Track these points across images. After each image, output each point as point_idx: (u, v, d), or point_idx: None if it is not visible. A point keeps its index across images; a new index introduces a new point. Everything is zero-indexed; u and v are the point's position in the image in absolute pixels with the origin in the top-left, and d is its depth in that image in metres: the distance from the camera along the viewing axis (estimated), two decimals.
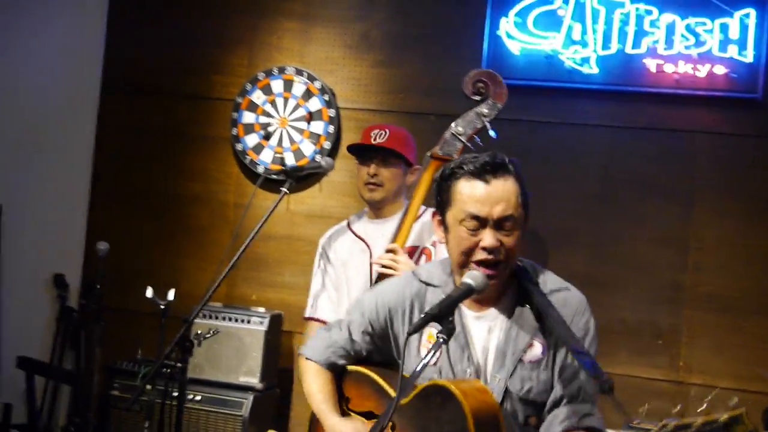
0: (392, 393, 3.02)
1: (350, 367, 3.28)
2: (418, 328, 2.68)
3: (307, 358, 3.36)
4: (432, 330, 2.97)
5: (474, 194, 2.89)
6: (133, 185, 6.69)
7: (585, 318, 2.95)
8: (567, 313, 2.90)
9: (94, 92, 6.70)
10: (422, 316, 2.69)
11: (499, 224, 2.86)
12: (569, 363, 2.89)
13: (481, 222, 2.87)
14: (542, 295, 2.93)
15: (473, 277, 2.79)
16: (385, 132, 4.44)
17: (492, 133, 4.04)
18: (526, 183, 2.96)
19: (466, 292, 2.76)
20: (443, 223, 3.01)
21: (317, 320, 4.61)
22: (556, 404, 2.90)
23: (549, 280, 3.01)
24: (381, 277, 4.08)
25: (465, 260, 2.91)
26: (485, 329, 3.00)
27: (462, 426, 2.68)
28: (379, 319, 3.17)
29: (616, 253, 5.77)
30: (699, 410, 2.62)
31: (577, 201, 5.77)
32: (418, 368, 2.61)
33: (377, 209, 4.47)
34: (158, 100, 6.68)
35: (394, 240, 4.18)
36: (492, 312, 3.00)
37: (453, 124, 4.08)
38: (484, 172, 2.88)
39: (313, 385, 3.30)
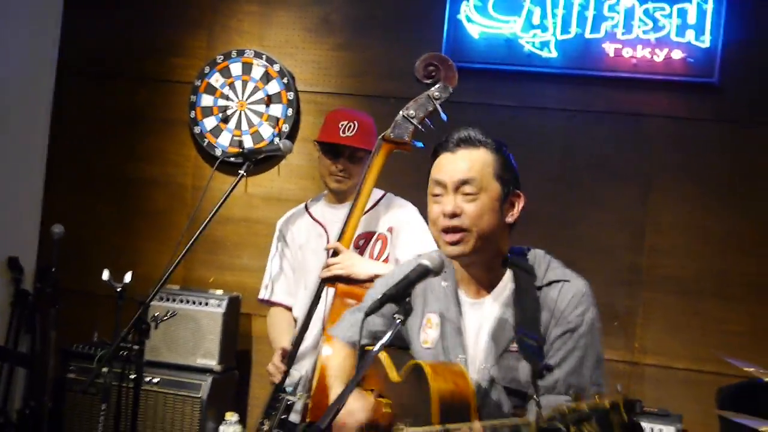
0: (390, 374, 3.02)
1: (367, 347, 3.22)
2: (374, 309, 2.67)
3: (332, 336, 3.36)
4: (431, 315, 3.01)
5: (440, 162, 2.94)
6: (89, 168, 6.64)
7: (579, 310, 2.85)
8: (560, 305, 2.86)
9: (50, 75, 6.65)
10: (379, 297, 2.68)
11: (459, 188, 2.87)
12: (552, 354, 2.87)
13: (443, 186, 2.89)
14: (529, 285, 2.90)
15: (429, 257, 2.77)
16: (354, 124, 4.40)
17: (443, 115, 4.04)
18: (509, 158, 2.97)
19: (421, 273, 2.73)
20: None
21: (273, 303, 4.58)
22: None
23: (551, 271, 2.95)
24: (329, 280, 4.10)
25: (436, 233, 2.93)
26: (479, 317, 2.98)
27: (429, 406, 2.70)
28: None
29: (574, 235, 5.82)
30: None
31: (536, 184, 5.76)
32: (376, 348, 2.59)
33: (339, 196, 4.45)
34: (116, 83, 6.64)
35: (346, 224, 4.16)
36: (487, 300, 2.98)
37: (405, 108, 4.08)
38: (453, 144, 2.93)
39: (335, 364, 3.27)
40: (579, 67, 5.82)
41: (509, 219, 2.94)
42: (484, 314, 2.97)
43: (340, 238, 4.13)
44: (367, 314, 2.70)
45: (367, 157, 4.28)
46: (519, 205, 2.96)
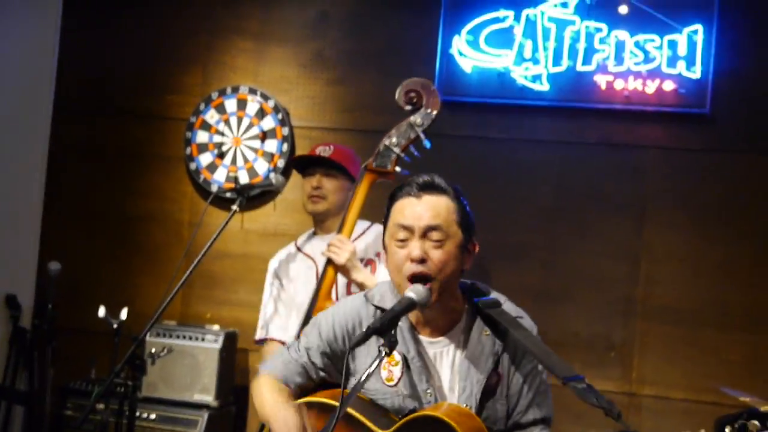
0: (356, 415, 2.97)
1: (307, 400, 3.13)
2: (360, 342, 2.68)
3: (263, 374, 3.27)
4: (394, 353, 2.96)
5: (404, 207, 2.94)
6: (86, 205, 6.66)
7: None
8: (517, 345, 2.92)
9: (47, 112, 6.66)
10: (364, 330, 2.69)
11: (426, 234, 2.88)
12: (518, 389, 2.91)
13: (409, 231, 2.89)
14: (485, 325, 2.95)
15: (415, 290, 2.81)
16: (330, 147, 4.48)
17: (426, 142, 4.03)
18: (466, 206, 2.99)
19: (407, 306, 2.77)
20: (384, 245, 3.04)
21: (269, 340, 4.59)
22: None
23: (508, 307, 3.01)
24: (329, 261, 4.10)
25: (400, 278, 2.92)
26: (439, 355, 3.00)
27: None
28: (337, 340, 3.13)
29: (569, 266, 5.82)
30: None
31: (530, 216, 5.82)
32: (363, 378, 2.60)
33: (321, 223, 4.47)
34: (112, 120, 6.67)
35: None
36: (444, 340, 3.01)
37: (386, 136, 4.08)
38: (418, 189, 2.93)
39: (265, 392, 3.15)
40: (571, 99, 5.85)
41: (466, 267, 2.96)
42: (442, 352, 2.99)
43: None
44: (352, 348, 2.70)
45: (344, 179, 4.30)
46: (474, 254, 2.99)
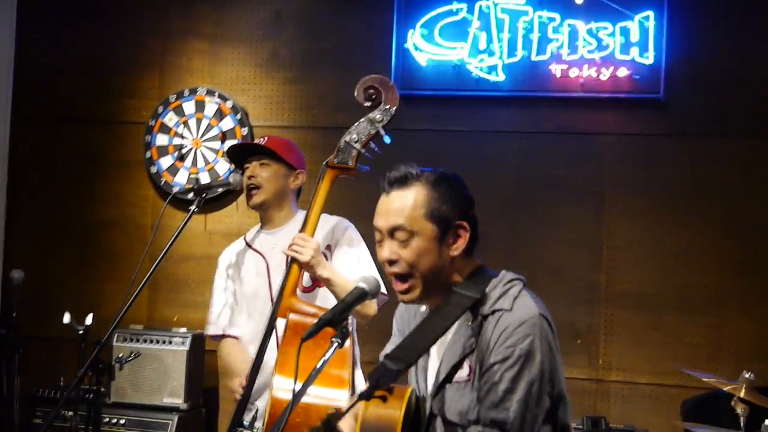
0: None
1: None
2: (312, 334, 2.66)
3: None
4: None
5: (378, 206, 2.89)
6: (48, 212, 6.64)
7: (510, 341, 2.71)
8: (493, 336, 2.74)
9: (5, 121, 6.64)
10: (317, 321, 2.69)
11: (392, 234, 2.83)
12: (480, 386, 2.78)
13: (380, 232, 2.86)
14: (457, 314, 2.82)
15: (366, 280, 2.81)
16: (264, 138, 4.49)
17: (387, 138, 4.04)
18: (447, 194, 2.86)
19: (358, 297, 2.78)
20: None
21: (226, 336, 4.58)
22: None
23: (501, 299, 2.82)
24: (293, 260, 4.10)
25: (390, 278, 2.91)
26: (439, 345, 2.93)
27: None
28: (403, 328, 3.11)
29: (532, 256, 5.87)
30: None
31: (491, 207, 5.82)
32: (318, 366, 2.61)
33: (265, 217, 4.46)
34: (70, 126, 6.65)
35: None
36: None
37: (347, 133, 4.08)
38: (388, 185, 2.87)
39: None
40: (527, 89, 5.90)
41: (455, 253, 2.83)
42: (442, 343, 2.92)
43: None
44: (303, 339, 2.68)
45: (278, 167, 4.32)
46: (465, 234, 2.85)
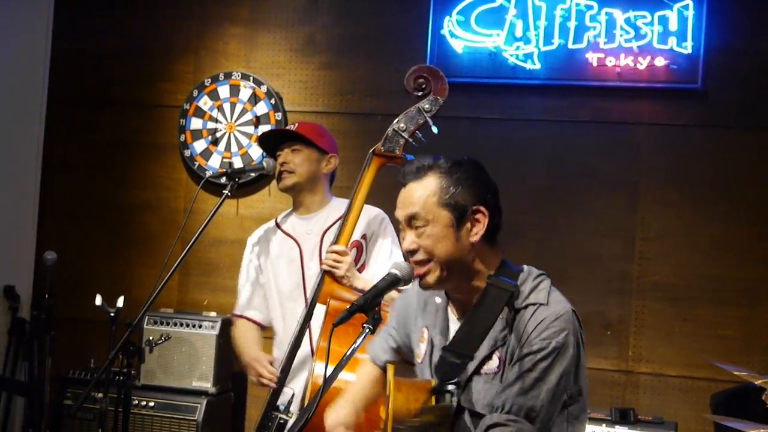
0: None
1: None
2: (344, 319, 2.67)
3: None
4: (424, 330, 3.00)
5: (397, 200, 2.94)
6: (82, 195, 6.68)
7: (546, 334, 2.73)
8: (528, 329, 2.76)
9: (41, 104, 6.68)
10: (348, 307, 2.70)
11: (410, 224, 2.87)
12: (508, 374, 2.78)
13: (401, 223, 2.91)
14: (496, 305, 2.82)
15: (399, 267, 2.82)
16: (295, 124, 4.50)
17: (434, 128, 4.04)
18: (463, 181, 2.87)
19: (390, 283, 2.79)
20: None
21: (248, 319, 4.58)
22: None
23: (534, 293, 2.85)
24: (325, 275, 4.10)
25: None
26: None
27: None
28: (403, 321, 3.19)
29: (564, 245, 5.83)
30: None
31: (524, 195, 5.81)
32: (348, 353, 2.62)
33: (297, 201, 4.46)
34: (105, 110, 6.68)
35: (337, 239, 4.17)
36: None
37: (395, 121, 4.08)
38: (404, 177, 2.92)
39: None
40: (563, 77, 5.85)
41: (474, 239, 2.85)
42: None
43: None
44: (335, 325, 2.69)
45: (310, 152, 4.32)
46: (484, 220, 2.87)
